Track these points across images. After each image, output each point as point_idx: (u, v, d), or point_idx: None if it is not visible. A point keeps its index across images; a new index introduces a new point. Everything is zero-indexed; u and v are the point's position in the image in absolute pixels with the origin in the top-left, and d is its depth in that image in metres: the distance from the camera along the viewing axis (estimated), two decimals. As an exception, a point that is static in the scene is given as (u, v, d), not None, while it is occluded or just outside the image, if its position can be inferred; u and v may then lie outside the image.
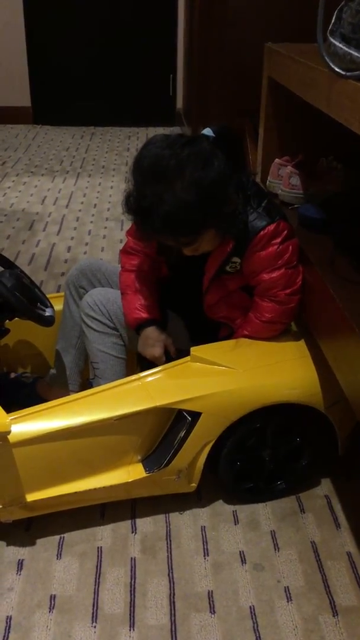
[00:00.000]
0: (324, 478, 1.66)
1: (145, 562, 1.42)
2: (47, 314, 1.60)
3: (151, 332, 1.56)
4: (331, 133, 1.83)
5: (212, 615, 1.30)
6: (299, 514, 1.55)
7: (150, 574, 1.39)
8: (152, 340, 1.56)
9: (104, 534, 1.49)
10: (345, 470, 1.67)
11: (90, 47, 5.17)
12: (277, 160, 1.85)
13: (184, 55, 5.03)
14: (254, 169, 2.07)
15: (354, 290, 1.29)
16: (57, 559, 1.42)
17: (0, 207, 3.57)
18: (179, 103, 5.41)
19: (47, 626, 1.27)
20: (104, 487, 1.44)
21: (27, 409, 1.40)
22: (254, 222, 1.42)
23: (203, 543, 1.47)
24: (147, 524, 1.52)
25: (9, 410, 1.35)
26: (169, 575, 1.39)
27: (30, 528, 1.49)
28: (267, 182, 1.88)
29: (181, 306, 1.65)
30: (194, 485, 1.51)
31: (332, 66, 1.15)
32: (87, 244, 3.11)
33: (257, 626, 1.28)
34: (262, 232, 1.42)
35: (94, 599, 1.33)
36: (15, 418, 1.36)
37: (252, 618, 1.30)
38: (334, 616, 1.30)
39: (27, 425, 1.36)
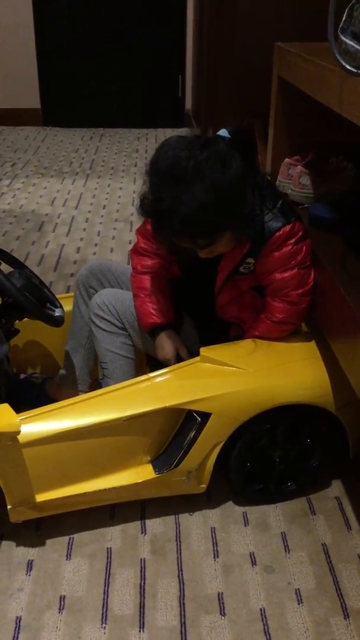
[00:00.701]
0: (334, 479, 1.65)
1: (155, 563, 1.41)
2: (56, 314, 1.60)
3: (166, 336, 1.56)
4: (341, 132, 1.82)
5: (223, 617, 1.29)
6: (310, 515, 1.54)
7: (160, 575, 1.38)
8: (167, 345, 1.56)
9: (114, 535, 1.48)
10: (356, 471, 1.66)
11: (99, 48, 5.18)
12: (287, 159, 1.83)
13: (193, 56, 5.02)
14: (263, 169, 2.06)
15: (365, 290, 1.27)
16: (67, 559, 1.42)
17: (9, 208, 3.58)
18: (188, 104, 5.41)
19: (57, 627, 1.27)
20: (113, 488, 1.44)
21: (36, 409, 1.40)
22: (269, 222, 1.41)
23: (213, 544, 1.46)
24: (157, 525, 1.51)
25: (18, 410, 1.35)
26: (178, 576, 1.38)
27: (39, 529, 1.49)
28: (277, 182, 1.87)
29: (192, 306, 1.65)
30: (203, 486, 1.51)
31: (344, 64, 1.14)
32: (96, 244, 3.11)
33: (268, 628, 1.27)
34: (277, 233, 1.41)
35: (103, 599, 1.33)
36: (24, 418, 1.36)
37: (262, 620, 1.29)
38: (345, 619, 1.29)
39: (36, 425, 1.36)
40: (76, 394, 1.65)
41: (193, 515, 1.54)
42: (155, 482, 1.46)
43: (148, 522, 1.52)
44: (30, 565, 1.40)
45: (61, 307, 1.64)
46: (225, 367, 1.46)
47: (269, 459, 1.53)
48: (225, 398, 1.42)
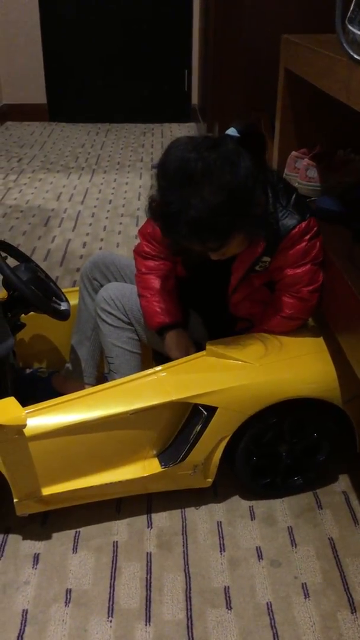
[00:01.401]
0: (341, 474, 1.64)
1: (161, 557, 1.41)
2: (62, 307, 1.60)
3: (175, 336, 1.56)
4: (349, 124, 1.81)
5: (229, 611, 1.29)
6: (317, 510, 1.54)
7: (166, 569, 1.38)
8: (178, 346, 1.56)
9: (120, 529, 1.48)
10: (364, 466, 1.65)
11: (105, 43, 5.17)
12: (293, 152, 1.82)
13: (199, 51, 5.01)
14: (270, 162, 2.05)
15: (373, 282, 1.26)
16: (73, 553, 1.42)
17: (16, 203, 3.58)
18: (194, 99, 5.39)
19: (63, 620, 1.27)
20: (119, 482, 1.44)
21: (42, 402, 1.39)
22: (284, 220, 1.39)
23: (219, 538, 1.46)
24: (163, 519, 1.51)
25: (24, 405, 1.35)
26: (185, 570, 1.38)
27: (46, 522, 1.49)
28: (284, 175, 1.86)
29: (200, 303, 1.64)
30: (210, 480, 1.50)
31: (352, 54, 1.13)
32: (102, 239, 3.11)
33: (275, 622, 1.27)
34: (293, 231, 1.39)
35: (109, 593, 1.33)
36: (30, 412, 1.36)
37: (269, 614, 1.28)
38: (352, 613, 1.29)
39: (42, 419, 1.36)
40: (82, 388, 1.66)
41: (199, 509, 1.54)
42: (161, 476, 1.45)
43: (154, 516, 1.52)
44: (36, 558, 1.41)
45: (67, 300, 1.64)
46: (232, 361, 1.46)
47: (276, 453, 1.53)
48: (231, 392, 1.41)
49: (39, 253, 2.94)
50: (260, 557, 1.41)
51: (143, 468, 1.46)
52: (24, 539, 1.45)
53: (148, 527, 1.49)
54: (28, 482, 1.38)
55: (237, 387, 1.42)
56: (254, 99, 2.69)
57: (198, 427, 1.42)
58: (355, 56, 1.12)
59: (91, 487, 1.42)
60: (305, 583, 1.35)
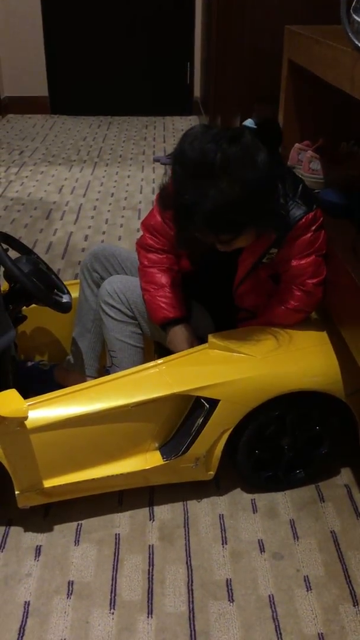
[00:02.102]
0: (344, 467, 1.64)
1: (163, 550, 1.41)
2: (64, 300, 1.59)
3: (180, 331, 1.55)
4: (352, 116, 1.80)
5: (231, 604, 1.29)
6: (319, 503, 1.54)
7: (168, 562, 1.38)
8: (182, 341, 1.55)
9: (122, 521, 1.48)
10: (366, 459, 1.65)
11: (106, 36, 5.15)
12: (297, 144, 1.81)
13: (201, 43, 4.98)
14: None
15: (376, 275, 1.26)
16: (75, 545, 1.42)
17: (18, 196, 3.57)
18: (197, 91, 5.37)
19: (65, 612, 1.27)
20: (121, 474, 1.43)
21: (44, 395, 1.39)
22: (292, 211, 1.39)
23: (221, 531, 1.46)
24: (165, 512, 1.51)
25: (26, 397, 1.34)
26: (187, 563, 1.38)
27: (48, 514, 1.49)
28: (287, 167, 1.85)
29: (205, 295, 1.63)
30: (211, 473, 1.50)
31: (357, 44, 1.12)
32: (104, 232, 3.10)
33: (277, 615, 1.27)
34: (300, 222, 1.39)
35: (111, 585, 1.33)
36: (32, 404, 1.36)
37: (271, 607, 1.28)
38: (354, 606, 1.29)
39: (44, 411, 1.36)
40: (84, 380, 1.65)
41: (201, 502, 1.53)
42: (163, 468, 1.45)
43: (156, 509, 1.52)
44: (38, 550, 1.41)
45: (69, 293, 1.63)
46: (234, 354, 1.45)
47: (278, 446, 1.52)
48: (233, 385, 1.41)
49: (41, 246, 2.94)
50: (262, 549, 1.41)
51: (145, 461, 1.45)
52: (25, 531, 1.45)
53: (150, 520, 1.49)
54: (30, 475, 1.38)
55: (240, 380, 1.41)
56: (256, 91, 2.68)
57: (200, 420, 1.42)
58: (360, 46, 1.11)
59: (93, 479, 1.42)
60: (308, 576, 1.35)
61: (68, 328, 1.79)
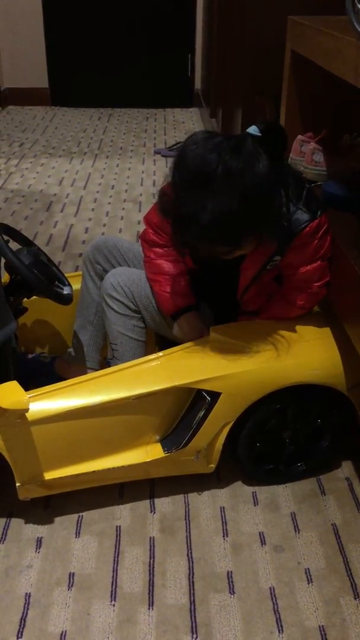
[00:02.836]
0: (345, 460, 1.64)
1: (164, 542, 1.41)
2: (65, 292, 1.59)
3: (191, 319, 1.54)
4: (355, 108, 1.79)
5: (232, 596, 1.29)
6: (320, 496, 1.54)
7: (169, 554, 1.38)
8: (193, 329, 1.54)
9: (123, 513, 1.48)
10: (367, 452, 1.65)
11: (107, 27, 5.12)
12: (299, 136, 1.80)
13: (203, 35, 4.95)
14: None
15: (379, 268, 1.25)
16: (76, 537, 1.42)
17: (18, 188, 3.56)
18: (198, 84, 5.34)
19: (66, 603, 1.27)
20: (122, 467, 1.43)
21: (45, 387, 1.39)
22: (295, 218, 1.36)
23: (222, 524, 1.46)
24: (166, 504, 1.51)
25: (27, 389, 1.34)
26: (188, 555, 1.38)
27: (49, 506, 1.49)
28: (289, 159, 1.84)
29: (208, 294, 1.62)
30: (212, 466, 1.50)
31: (361, 33, 1.11)
32: (104, 225, 3.09)
33: (277, 607, 1.27)
34: (305, 230, 1.37)
35: (112, 577, 1.33)
36: (33, 396, 1.35)
37: (272, 599, 1.29)
38: (355, 598, 1.29)
39: (45, 403, 1.36)
40: (85, 372, 1.65)
41: (202, 494, 1.53)
42: (164, 461, 1.45)
43: (157, 501, 1.52)
44: (39, 542, 1.41)
45: (70, 285, 1.62)
46: (236, 347, 1.45)
47: (279, 439, 1.52)
48: (235, 377, 1.41)
49: (41, 238, 2.93)
50: (263, 542, 1.41)
51: (146, 453, 1.45)
52: (26, 522, 1.45)
53: (151, 512, 1.49)
54: (30, 467, 1.37)
55: (241, 373, 1.41)
56: (258, 83, 2.66)
57: (201, 413, 1.42)
58: (365, 36, 1.10)
59: (94, 471, 1.42)
60: (309, 568, 1.35)
61: (69, 320, 1.79)
